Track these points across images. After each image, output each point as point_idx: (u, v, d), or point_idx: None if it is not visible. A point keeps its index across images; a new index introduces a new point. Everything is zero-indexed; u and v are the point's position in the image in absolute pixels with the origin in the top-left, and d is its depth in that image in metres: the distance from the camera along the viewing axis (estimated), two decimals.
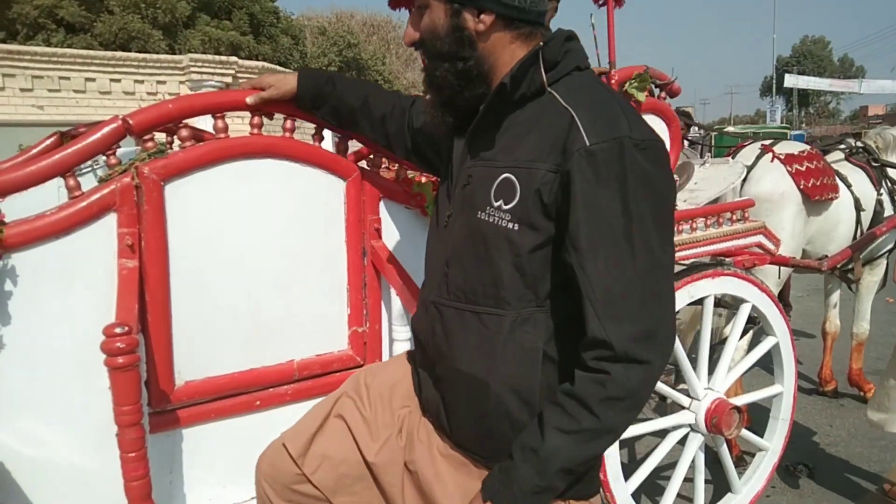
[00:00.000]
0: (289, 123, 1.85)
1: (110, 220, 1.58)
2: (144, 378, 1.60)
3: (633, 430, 2.53)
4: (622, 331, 1.08)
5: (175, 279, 1.67)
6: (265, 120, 1.80)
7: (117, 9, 14.73)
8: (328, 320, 1.94)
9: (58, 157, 1.53)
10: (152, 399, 1.66)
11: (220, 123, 1.71)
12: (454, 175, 1.35)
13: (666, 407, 3.19)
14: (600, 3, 2.42)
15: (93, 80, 8.90)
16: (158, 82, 9.43)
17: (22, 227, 1.48)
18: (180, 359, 1.71)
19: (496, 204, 1.19)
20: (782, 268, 3.63)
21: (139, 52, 13.81)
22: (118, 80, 9.07)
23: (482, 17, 1.22)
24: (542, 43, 1.23)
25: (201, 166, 1.67)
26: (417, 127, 1.65)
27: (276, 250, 1.82)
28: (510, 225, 1.17)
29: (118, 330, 1.28)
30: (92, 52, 9.45)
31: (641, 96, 2.53)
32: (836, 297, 4.64)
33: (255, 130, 1.79)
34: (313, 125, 1.89)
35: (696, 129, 6.58)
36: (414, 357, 1.50)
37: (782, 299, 5.76)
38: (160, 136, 1.79)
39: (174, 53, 14.53)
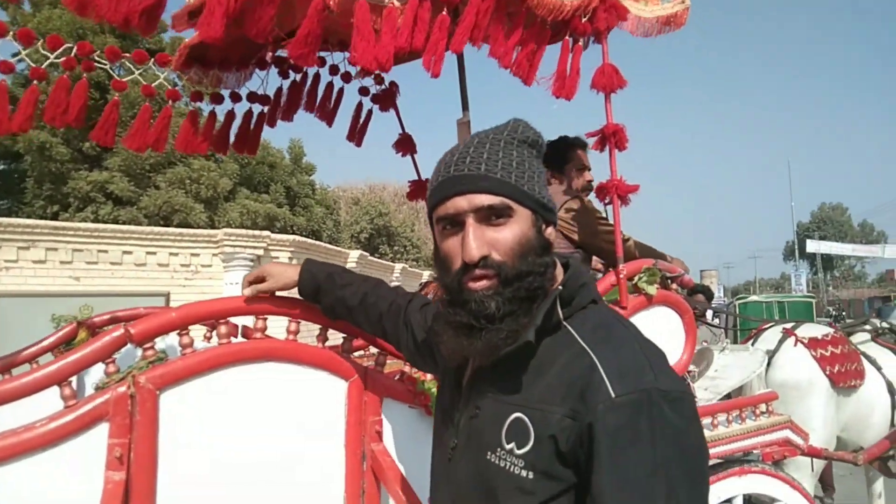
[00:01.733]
0: (293, 326, 1.86)
1: (101, 431, 1.55)
2: None
3: None
4: None
5: (162, 490, 1.61)
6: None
7: (163, 184, 15.73)
8: None
9: (56, 368, 1.54)
10: None
11: (222, 329, 1.73)
12: (460, 400, 1.26)
13: None
14: (606, 202, 2.50)
15: (129, 252, 9.29)
16: (192, 254, 9.80)
17: (9, 440, 1.46)
18: None
19: (508, 447, 1.09)
20: (815, 460, 3.42)
21: (180, 223, 14.54)
22: (154, 253, 9.45)
23: (549, 229, 1.20)
24: (560, 286, 1.18)
25: (200, 373, 1.66)
26: (414, 327, 1.61)
27: (271, 457, 1.76)
28: (524, 472, 1.07)
29: None
30: (131, 227, 9.94)
31: (652, 290, 2.53)
32: (879, 485, 4.32)
33: (259, 335, 1.80)
34: (318, 325, 1.90)
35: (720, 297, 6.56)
36: None
37: (824, 481, 5.38)
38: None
39: (214, 224, 15.27)
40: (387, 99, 3.25)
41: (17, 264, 8.38)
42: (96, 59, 2.52)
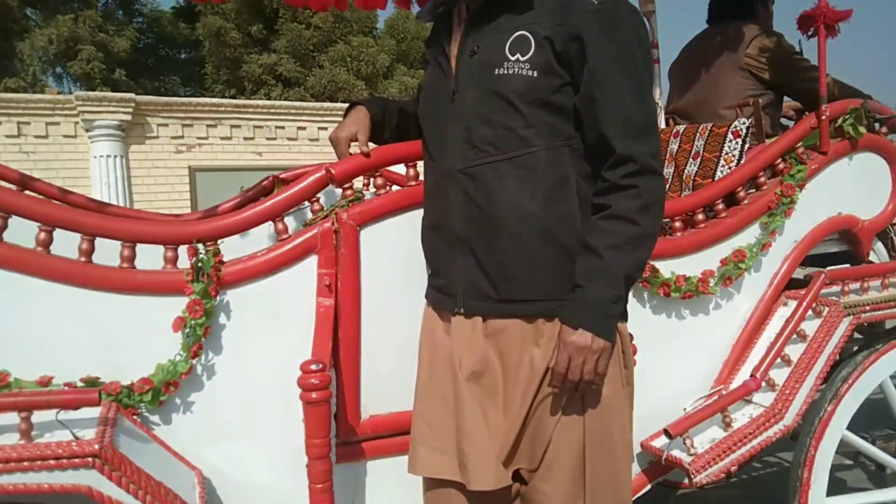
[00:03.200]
0: None
1: (312, 262, 1.71)
2: (334, 411, 1.70)
3: (850, 502, 2.32)
4: (642, 149, 1.33)
5: (365, 318, 1.76)
6: None
7: (327, 63, 16.22)
8: None
9: (269, 204, 1.69)
10: (340, 430, 1.74)
11: (411, 171, 1.80)
12: (454, 59, 1.48)
13: (884, 478, 2.84)
14: (809, 34, 2.24)
15: (304, 128, 9.84)
16: None
17: (237, 266, 1.65)
18: (367, 393, 1.78)
19: (513, 58, 1.35)
20: None
21: (345, 101, 15.06)
22: (325, 129, 9.93)
23: None
24: None
25: (393, 212, 1.76)
26: None
27: None
28: (531, 72, 1.34)
29: (313, 367, 1.37)
30: (304, 104, 10.46)
31: (860, 131, 2.29)
32: None
33: None
34: None
35: None
36: (432, 271, 1.58)
37: None
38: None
39: None
40: None
41: (208, 141, 9.18)
42: None
